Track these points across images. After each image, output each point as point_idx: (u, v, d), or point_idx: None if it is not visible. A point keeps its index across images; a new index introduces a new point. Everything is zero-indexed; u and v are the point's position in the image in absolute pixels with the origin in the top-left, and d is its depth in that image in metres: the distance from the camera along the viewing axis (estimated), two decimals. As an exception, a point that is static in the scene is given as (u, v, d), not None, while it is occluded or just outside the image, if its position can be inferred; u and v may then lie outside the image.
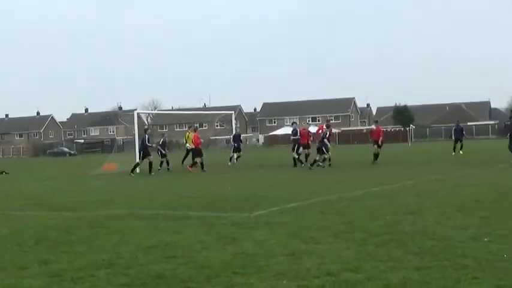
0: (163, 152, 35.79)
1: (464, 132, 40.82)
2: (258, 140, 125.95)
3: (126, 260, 9.01)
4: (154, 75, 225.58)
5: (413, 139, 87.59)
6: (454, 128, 42.14)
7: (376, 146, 32.81)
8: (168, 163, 35.59)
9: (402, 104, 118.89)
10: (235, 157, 39.23)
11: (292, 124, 35.46)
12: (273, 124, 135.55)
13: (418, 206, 13.82)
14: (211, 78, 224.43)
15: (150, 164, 32.44)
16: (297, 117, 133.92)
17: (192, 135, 35.38)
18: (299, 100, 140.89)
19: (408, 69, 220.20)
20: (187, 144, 36.98)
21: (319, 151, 30.84)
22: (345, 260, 8.39)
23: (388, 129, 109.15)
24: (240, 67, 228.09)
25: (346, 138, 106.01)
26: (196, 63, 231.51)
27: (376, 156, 32.51)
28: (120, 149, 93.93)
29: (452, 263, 7.88)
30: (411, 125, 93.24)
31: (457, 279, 7.10)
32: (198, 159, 32.78)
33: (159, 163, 35.25)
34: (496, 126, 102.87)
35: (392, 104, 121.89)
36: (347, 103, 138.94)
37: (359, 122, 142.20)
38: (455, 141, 40.19)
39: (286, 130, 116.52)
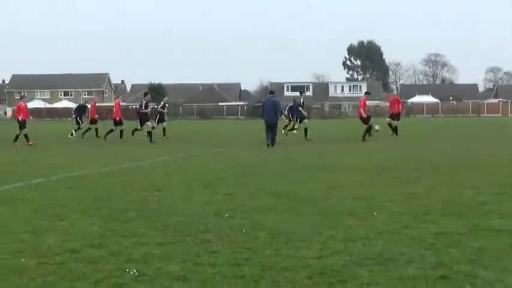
0: None
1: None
2: (5, 113, 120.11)
3: None
4: None
5: (167, 117, 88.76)
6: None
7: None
8: None
9: (157, 82, 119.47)
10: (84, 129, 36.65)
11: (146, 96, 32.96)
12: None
13: (166, 182, 14.02)
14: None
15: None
16: (49, 90, 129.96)
17: None
18: (51, 73, 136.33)
19: (165, 50, 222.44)
20: None
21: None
22: (88, 236, 8.30)
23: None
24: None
25: (99, 114, 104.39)
26: None
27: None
28: None
29: (194, 238, 8.11)
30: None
31: (198, 253, 7.32)
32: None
33: None
34: (245, 107, 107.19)
35: (148, 82, 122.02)
36: (101, 78, 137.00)
37: (113, 98, 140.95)
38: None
39: (36, 104, 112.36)
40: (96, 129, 36.37)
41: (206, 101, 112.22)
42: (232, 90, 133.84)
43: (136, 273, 6.48)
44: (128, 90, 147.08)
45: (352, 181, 13.87)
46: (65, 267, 6.74)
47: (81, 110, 38.44)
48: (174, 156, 21.80)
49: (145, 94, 33.15)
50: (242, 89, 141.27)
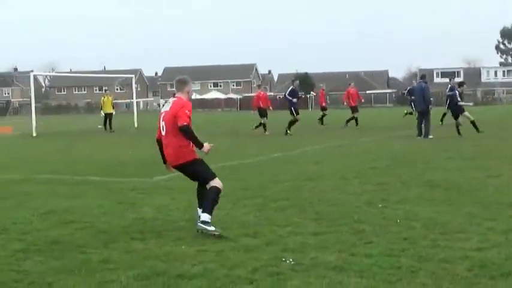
0: None
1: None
2: (159, 104, 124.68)
3: (22, 225, 8.79)
4: (53, 36, 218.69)
5: (313, 106, 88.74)
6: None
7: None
8: None
9: (303, 71, 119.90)
10: None
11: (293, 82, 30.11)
12: (174, 89, 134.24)
13: (317, 172, 14.05)
14: (113, 41, 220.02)
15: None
16: (199, 82, 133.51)
17: (109, 99, 35.02)
18: (201, 65, 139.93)
19: (309, 39, 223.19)
20: (102, 111, 36.05)
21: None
22: (243, 225, 8.47)
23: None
24: (141, 31, 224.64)
25: (247, 104, 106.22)
26: (96, 25, 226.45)
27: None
28: (16, 111, 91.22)
29: (349, 228, 8.08)
30: (312, 92, 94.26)
31: (353, 243, 7.29)
32: (263, 120, 29.37)
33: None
34: (394, 95, 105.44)
35: (294, 71, 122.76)
36: (249, 69, 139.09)
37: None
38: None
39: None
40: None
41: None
42: (380, 77, 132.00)
43: (292, 263, 6.54)
44: (275, 80, 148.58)
45: (511, 170, 13.32)
46: (224, 255, 6.91)
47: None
48: (323, 145, 21.79)
49: (293, 81, 30.62)
50: (390, 76, 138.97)
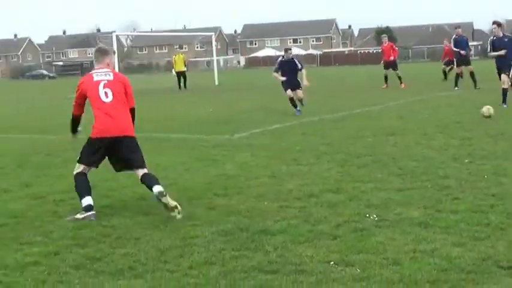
0: None
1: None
2: (238, 62, 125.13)
3: (108, 182, 8.98)
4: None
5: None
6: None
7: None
8: None
9: (384, 25, 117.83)
10: None
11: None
12: (254, 46, 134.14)
13: (400, 127, 13.84)
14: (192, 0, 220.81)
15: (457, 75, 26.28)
16: (278, 38, 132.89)
17: (180, 57, 34.58)
18: (280, 21, 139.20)
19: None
20: (173, 69, 36.02)
21: None
22: (326, 181, 8.42)
23: (371, 51, 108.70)
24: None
25: (327, 60, 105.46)
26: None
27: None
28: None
29: (434, 184, 7.92)
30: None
31: (438, 199, 7.14)
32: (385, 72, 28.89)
33: None
34: (479, 47, 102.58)
35: (375, 26, 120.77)
36: (328, 24, 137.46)
37: (341, 44, 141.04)
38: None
39: (267, 52, 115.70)
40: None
41: (437, 43, 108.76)
42: (464, 30, 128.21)
43: (376, 219, 6.47)
44: (356, 35, 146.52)
45: None
46: (306, 211, 6.89)
47: None
48: (404, 100, 21.42)
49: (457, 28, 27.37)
50: (475, 28, 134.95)
